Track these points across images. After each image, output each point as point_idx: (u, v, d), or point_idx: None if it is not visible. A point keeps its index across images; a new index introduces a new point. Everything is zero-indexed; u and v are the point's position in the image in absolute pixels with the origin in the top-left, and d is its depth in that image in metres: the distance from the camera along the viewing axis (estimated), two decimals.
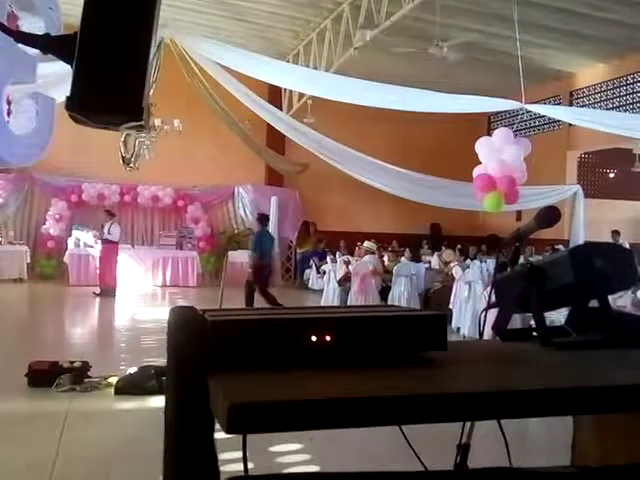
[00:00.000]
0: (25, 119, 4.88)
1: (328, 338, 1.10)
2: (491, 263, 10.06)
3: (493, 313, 1.60)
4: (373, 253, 11.50)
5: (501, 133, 10.35)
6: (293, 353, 1.08)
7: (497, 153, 10.03)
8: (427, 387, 1.04)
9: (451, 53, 11.11)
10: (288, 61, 14.88)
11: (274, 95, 14.90)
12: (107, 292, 12.56)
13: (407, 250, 12.56)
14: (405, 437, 1.29)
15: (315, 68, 13.20)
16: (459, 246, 12.80)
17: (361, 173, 13.09)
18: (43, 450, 4.35)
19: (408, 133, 16.25)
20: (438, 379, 1.12)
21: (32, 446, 4.48)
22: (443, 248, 13.90)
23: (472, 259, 11.11)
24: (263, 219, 11.10)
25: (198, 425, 0.93)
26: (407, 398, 0.96)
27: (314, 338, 1.09)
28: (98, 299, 12.52)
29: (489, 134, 14.31)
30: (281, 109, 14.65)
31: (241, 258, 14.90)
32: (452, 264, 11.36)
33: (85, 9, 1.07)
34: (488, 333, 1.66)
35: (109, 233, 12.76)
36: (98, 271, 13.09)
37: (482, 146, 10.29)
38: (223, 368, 1.01)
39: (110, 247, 12.80)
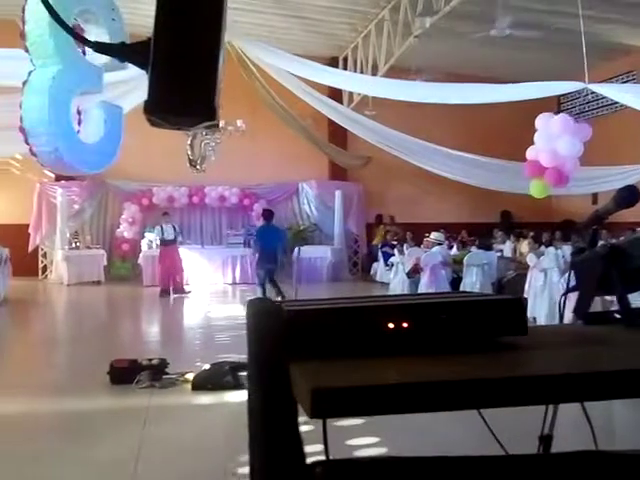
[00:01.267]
0: (95, 128, 5.05)
1: (405, 325, 1.11)
2: (567, 249, 9.79)
3: (571, 298, 1.54)
4: (441, 244, 11.36)
5: (560, 120, 10.05)
6: (371, 340, 1.10)
7: (552, 141, 9.80)
8: (507, 370, 1.03)
9: (514, 33, 10.83)
10: (347, 55, 14.83)
11: (334, 90, 14.86)
12: (167, 292, 12.83)
13: (477, 239, 12.33)
14: (485, 421, 1.28)
15: (374, 60, 13.10)
16: (532, 233, 12.48)
17: (426, 162, 12.94)
18: (126, 444, 4.49)
19: (474, 118, 15.77)
20: (519, 362, 1.11)
21: (116, 441, 4.64)
22: (512, 237, 13.56)
23: (546, 246, 10.80)
24: (266, 214, 11.33)
25: (283, 411, 0.95)
26: (487, 382, 0.96)
27: (391, 325, 1.10)
28: (172, 298, 12.88)
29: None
30: (342, 103, 14.62)
31: (308, 253, 15.02)
32: (526, 251, 11.09)
33: (157, 15, 1.11)
34: (568, 318, 1.60)
35: (174, 233, 13.09)
36: (160, 271, 13.20)
37: (541, 126, 10.05)
38: (303, 356, 1.03)
39: (175, 247, 13.13)
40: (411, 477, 1.03)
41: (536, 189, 10.47)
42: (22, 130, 3.50)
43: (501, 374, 0.99)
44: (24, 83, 3.78)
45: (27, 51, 3.67)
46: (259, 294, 10.99)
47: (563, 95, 17.40)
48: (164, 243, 13.03)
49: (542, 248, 10.82)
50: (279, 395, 0.95)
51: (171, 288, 12.89)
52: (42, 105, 3.44)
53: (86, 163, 4.09)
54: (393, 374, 0.99)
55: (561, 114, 10.83)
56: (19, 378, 6.63)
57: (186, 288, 13.16)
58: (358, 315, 1.11)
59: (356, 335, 1.09)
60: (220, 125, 11.13)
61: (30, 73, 3.86)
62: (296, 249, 10.90)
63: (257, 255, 11.19)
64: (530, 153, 10.27)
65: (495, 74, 10.83)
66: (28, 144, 3.56)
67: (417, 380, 0.95)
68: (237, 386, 5.96)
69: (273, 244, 10.90)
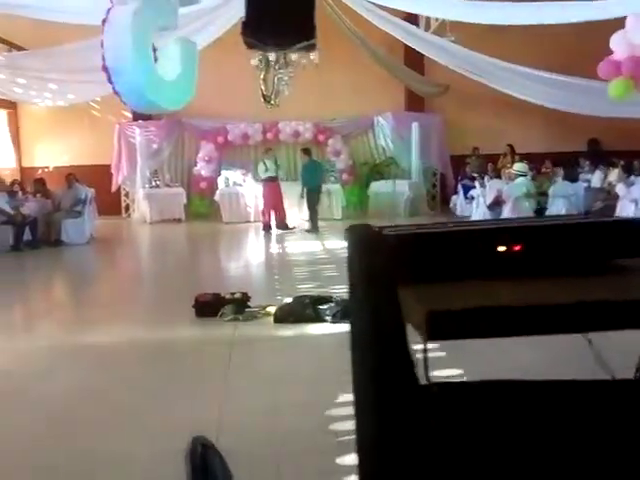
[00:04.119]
0: (172, 64, 5.04)
1: (517, 248, 1.07)
2: None
3: None
4: (525, 175, 10.99)
5: (633, 17, 9.10)
6: (481, 263, 1.07)
7: (627, 36, 8.90)
8: (621, 293, 0.99)
9: None
10: None
11: (410, 16, 14.28)
12: (269, 227, 13.06)
13: (562, 169, 11.84)
14: (590, 343, 1.24)
15: None
16: (622, 162, 11.85)
17: (508, 86, 12.38)
18: (213, 375, 4.67)
19: (559, 38, 14.51)
20: (633, 285, 1.07)
21: (205, 369, 4.83)
22: (603, 167, 12.89)
23: (637, 175, 10.28)
24: (307, 152, 13.31)
25: (395, 334, 0.94)
26: (600, 304, 0.93)
27: (502, 248, 1.07)
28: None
29: None
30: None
31: (385, 188, 14.83)
32: (615, 181, 10.60)
33: None
34: None
35: (276, 169, 13.32)
36: (263, 207, 13.46)
37: (616, 38, 9.24)
38: (412, 280, 1.02)
39: (277, 183, 13.35)
40: (521, 400, 1.03)
41: (616, 88, 9.33)
42: (105, 68, 3.53)
43: (615, 297, 0.96)
44: (104, 21, 3.79)
45: None
46: (310, 220, 12.88)
47: None
48: (267, 179, 13.15)
49: (632, 178, 10.31)
50: (390, 319, 0.94)
51: (272, 224, 13.09)
52: (124, 43, 3.44)
53: (167, 100, 4.11)
54: (507, 297, 0.98)
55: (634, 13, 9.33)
56: (108, 311, 6.97)
57: (289, 224, 13.25)
58: (468, 238, 1.08)
59: (466, 258, 1.06)
60: (293, 58, 10.96)
61: (109, 10, 3.86)
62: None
63: (306, 187, 12.84)
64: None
65: None
66: (111, 83, 3.58)
67: (532, 303, 0.93)
68: (317, 319, 6.06)
69: (318, 176, 13.00)
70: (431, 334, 0.90)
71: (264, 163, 13.20)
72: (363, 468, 1.00)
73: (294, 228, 13.10)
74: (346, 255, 1.01)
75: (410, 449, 0.92)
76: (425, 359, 1.00)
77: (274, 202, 13.11)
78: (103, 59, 3.47)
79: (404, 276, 1.01)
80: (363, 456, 1.00)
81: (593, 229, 1.12)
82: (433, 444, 0.95)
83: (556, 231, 1.11)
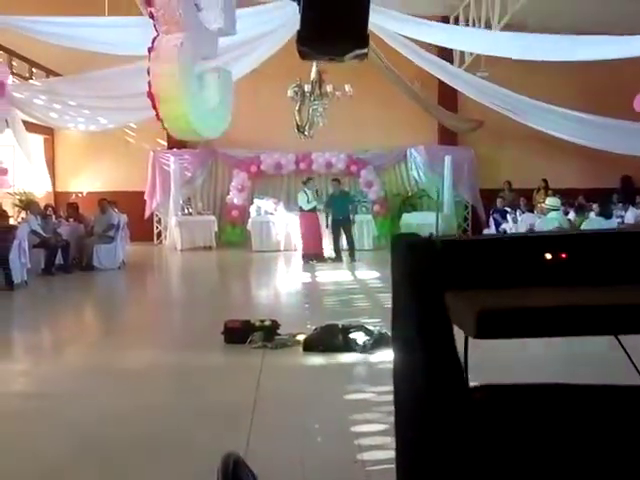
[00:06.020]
0: (212, 93, 5.16)
1: (564, 256, 1.08)
2: None
3: None
4: (557, 210, 10.90)
5: None
6: (528, 271, 1.08)
7: None
8: None
9: None
10: (458, 15, 14.33)
11: (444, 50, 14.42)
12: (310, 257, 12.93)
13: (595, 205, 11.71)
14: (624, 348, 1.22)
15: (488, 19, 12.57)
16: None
17: (542, 123, 12.37)
18: (243, 399, 4.65)
19: (592, 78, 14.53)
20: None
21: (233, 396, 4.82)
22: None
23: None
24: (337, 181, 13.53)
25: (443, 336, 0.96)
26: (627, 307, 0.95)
27: (549, 256, 1.08)
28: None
29: None
30: (452, 64, 14.18)
31: (416, 220, 14.79)
32: None
33: None
34: None
35: (316, 199, 13.22)
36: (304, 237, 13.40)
37: None
38: (458, 286, 1.04)
39: (316, 214, 13.29)
40: (572, 403, 1.05)
41: None
42: (150, 95, 3.62)
43: None
44: (149, 50, 3.90)
45: (152, 17, 3.77)
46: (334, 252, 12.96)
47: None
48: (309, 209, 13.07)
49: None
50: (438, 321, 0.96)
51: (306, 254, 13.01)
52: (172, 71, 3.53)
53: (209, 128, 4.20)
54: (554, 299, 1.00)
55: None
56: (138, 337, 7.01)
57: (325, 255, 13.16)
58: (515, 245, 1.10)
59: (512, 266, 1.08)
60: (328, 90, 11.09)
61: (154, 40, 3.97)
62: None
63: (333, 217, 12.92)
64: None
65: (616, 32, 10.02)
66: (155, 109, 3.67)
67: (579, 304, 0.96)
68: (347, 348, 6.02)
69: (346, 207, 13.05)
70: (479, 332, 0.92)
71: (305, 193, 13.07)
72: (403, 475, 1.01)
73: (327, 259, 13.04)
74: (390, 262, 1.04)
75: (457, 454, 0.93)
76: (466, 360, 1.02)
77: (316, 233, 13.05)
78: (149, 86, 3.57)
79: (450, 281, 1.03)
80: (404, 463, 1.00)
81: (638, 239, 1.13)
82: (481, 448, 0.96)
83: (603, 240, 1.13)
